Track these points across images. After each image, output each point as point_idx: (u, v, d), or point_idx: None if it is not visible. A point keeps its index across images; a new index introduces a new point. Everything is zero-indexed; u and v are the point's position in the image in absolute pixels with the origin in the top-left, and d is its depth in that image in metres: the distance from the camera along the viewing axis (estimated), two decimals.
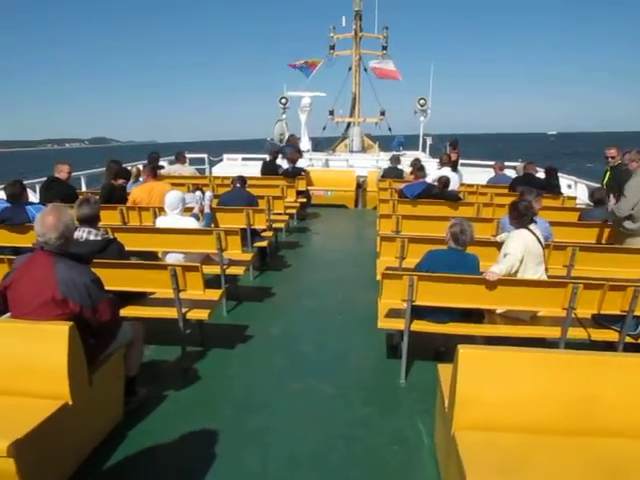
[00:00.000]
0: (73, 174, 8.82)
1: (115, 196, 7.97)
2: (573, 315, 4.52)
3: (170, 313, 4.75)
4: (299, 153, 13.11)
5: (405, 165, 12.54)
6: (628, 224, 6.45)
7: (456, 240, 4.69)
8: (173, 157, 12.90)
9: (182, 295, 4.74)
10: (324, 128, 20.36)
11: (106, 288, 3.74)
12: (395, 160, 12.33)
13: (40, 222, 3.31)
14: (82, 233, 4.52)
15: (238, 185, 8.30)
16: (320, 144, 19.86)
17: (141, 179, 8.83)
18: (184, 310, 4.77)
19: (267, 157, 12.64)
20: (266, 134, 18.83)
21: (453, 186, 9.19)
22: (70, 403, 3.22)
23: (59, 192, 7.75)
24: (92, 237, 4.54)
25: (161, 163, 12.31)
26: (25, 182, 7.75)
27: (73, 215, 3.47)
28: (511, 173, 11.61)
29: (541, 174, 10.59)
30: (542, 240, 4.98)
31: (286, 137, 16.07)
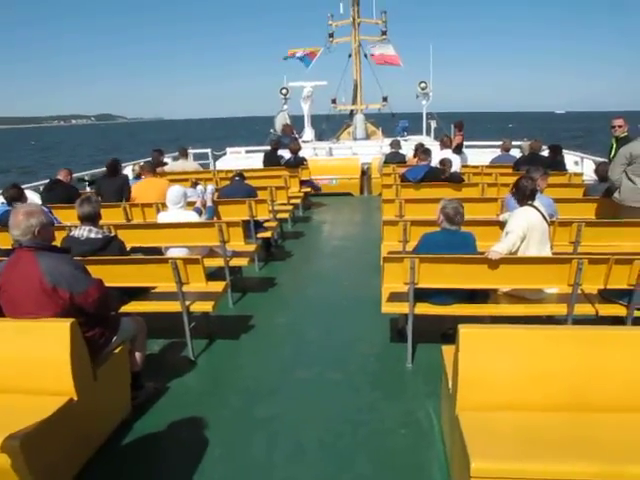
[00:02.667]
0: (76, 174, 8.90)
1: None
2: (579, 291, 4.49)
3: (174, 307, 4.76)
4: (296, 141, 13.06)
5: (409, 149, 12.46)
6: (616, 194, 6.45)
7: (450, 220, 4.65)
8: (176, 153, 12.91)
9: (186, 288, 4.74)
10: (327, 117, 20.28)
11: (108, 285, 3.76)
12: (396, 145, 12.23)
13: (11, 222, 3.37)
14: (83, 231, 4.54)
15: (237, 179, 8.29)
16: (324, 133, 19.78)
17: (142, 177, 8.85)
18: (188, 303, 4.77)
19: (269, 148, 12.63)
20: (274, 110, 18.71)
21: (455, 168, 9.11)
22: (75, 399, 3.24)
23: (61, 193, 7.81)
24: (93, 235, 4.55)
25: (165, 159, 12.33)
26: (27, 185, 7.80)
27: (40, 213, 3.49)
28: (516, 152, 11.51)
29: (546, 152, 10.48)
30: (547, 217, 4.93)
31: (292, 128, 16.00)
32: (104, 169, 9.31)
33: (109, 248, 4.61)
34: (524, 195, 4.88)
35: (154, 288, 5.05)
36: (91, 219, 4.57)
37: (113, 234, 5.14)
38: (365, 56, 19.33)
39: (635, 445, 2.66)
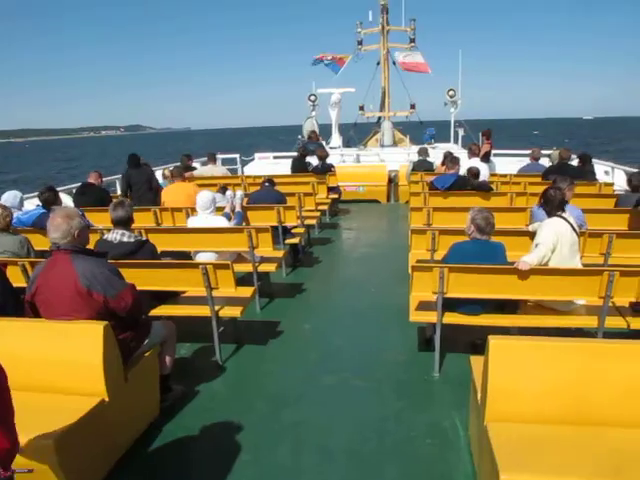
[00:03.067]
0: (106, 178, 9.14)
1: None
2: (610, 304, 4.42)
3: (203, 311, 4.82)
4: (322, 148, 13.11)
5: (436, 157, 12.42)
6: None
7: (481, 230, 4.62)
8: (205, 158, 13.06)
9: (214, 293, 4.80)
10: (355, 124, 20.31)
11: (139, 288, 3.83)
12: (424, 152, 12.22)
13: (49, 225, 3.45)
14: (116, 235, 4.63)
15: (267, 184, 8.35)
16: (352, 139, 19.80)
17: (173, 180, 8.99)
18: (217, 308, 4.83)
19: (296, 155, 12.70)
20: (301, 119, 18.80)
21: (483, 177, 9.05)
22: (107, 400, 3.30)
23: (93, 196, 7.96)
24: (125, 239, 4.64)
25: (194, 164, 12.49)
26: (61, 188, 7.95)
27: (77, 215, 3.57)
28: (545, 161, 11.39)
29: (575, 162, 10.36)
30: (576, 228, 4.88)
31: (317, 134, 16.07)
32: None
33: (141, 252, 4.69)
34: (553, 206, 4.84)
35: (184, 292, 5.12)
36: (124, 223, 4.66)
37: (145, 238, 5.22)
38: (394, 63, 19.31)
39: None
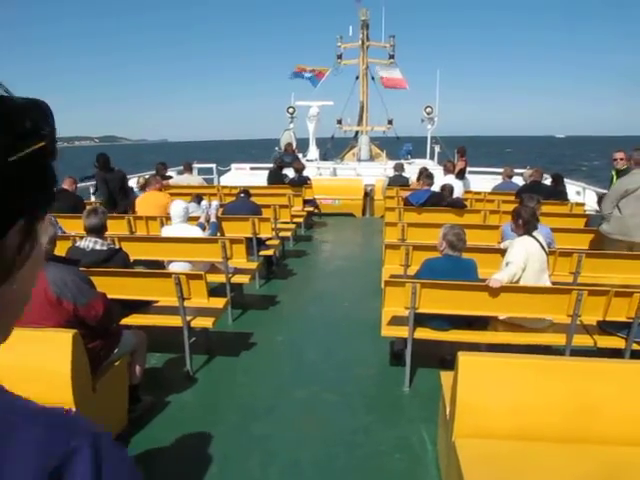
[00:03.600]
0: (80, 184, 9.01)
1: None
2: (578, 322, 4.51)
3: (175, 321, 4.79)
4: (299, 160, 13.16)
5: (412, 172, 12.55)
6: (605, 226, 6.48)
7: (453, 247, 4.69)
8: (181, 167, 12.99)
9: (187, 303, 4.77)
10: (332, 137, 20.42)
11: (111, 297, 3.79)
12: (399, 168, 12.35)
13: None
14: (88, 242, 4.58)
15: (242, 195, 8.34)
16: (329, 153, 19.90)
17: (147, 189, 8.92)
18: (188, 318, 4.80)
19: (273, 166, 12.72)
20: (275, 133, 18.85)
21: (457, 194, 9.18)
22: (74, 410, 3.24)
23: (66, 203, 7.86)
24: (98, 247, 4.59)
25: (169, 173, 12.40)
26: None
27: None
28: (519, 180, 11.58)
29: (548, 181, 10.56)
30: (545, 246, 4.97)
31: (294, 146, 16.12)
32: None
33: (114, 260, 4.65)
34: (524, 225, 4.92)
35: (156, 302, 5.07)
36: (97, 231, 4.60)
37: (118, 247, 5.18)
38: (372, 79, 19.51)
39: (626, 476, 2.68)
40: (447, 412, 3.22)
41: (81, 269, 3.88)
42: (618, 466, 2.76)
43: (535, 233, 4.92)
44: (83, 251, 4.54)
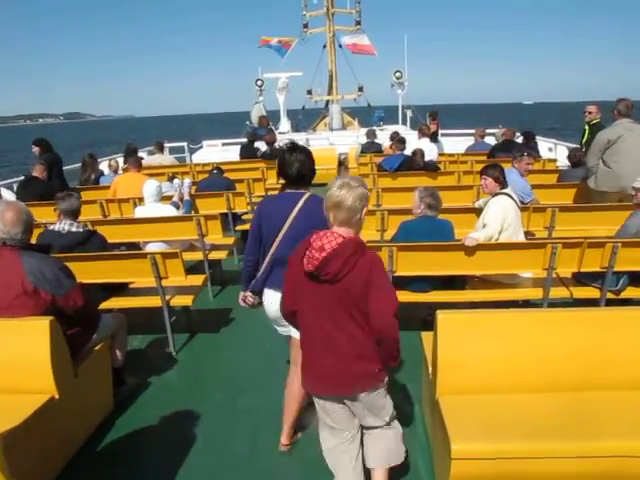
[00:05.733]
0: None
1: None
2: (554, 275, 4.58)
3: (154, 302, 4.77)
4: (272, 133, 12.99)
5: (385, 139, 12.50)
6: (591, 180, 6.54)
7: (431, 207, 4.70)
8: (152, 147, 12.77)
9: (165, 283, 4.74)
10: (303, 108, 20.25)
11: (87, 281, 3.74)
12: (372, 134, 12.29)
13: (1, 219, 3.28)
14: (64, 225, 4.53)
15: (215, 172, 8.25)
16: (300, 124, 19.74)
17: (120, 172, 8.75)
18: (167, 297, 4.78)
19: (245, 141, 12.57)
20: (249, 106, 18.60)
21: (432, 156, 9.17)
22: (57, 397, 3.23)
23: (37, 190, 7.70)
24: (74, 229, 4.54)
25: (140, 154, 12.18)
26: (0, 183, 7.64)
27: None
28: (491, 140, 11.61)
29: (520, 139, 10.60)
30: (518, 202, 5.00)
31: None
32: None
33: (90, 242, 4.59)
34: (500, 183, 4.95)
35: (133, 283, 5.03)
36: (72, 213, 4.55)
37: (94, 229, 5.11)
38: (340, 46, 19.31)
39: (606, 419, 2.74)
40: (429, 371, 3.26)
41: (58, 254, 3.81)
42: (597, 411, 2.81)
43: (508, 190, 4.94)
44: (59, 234, 4.48)
